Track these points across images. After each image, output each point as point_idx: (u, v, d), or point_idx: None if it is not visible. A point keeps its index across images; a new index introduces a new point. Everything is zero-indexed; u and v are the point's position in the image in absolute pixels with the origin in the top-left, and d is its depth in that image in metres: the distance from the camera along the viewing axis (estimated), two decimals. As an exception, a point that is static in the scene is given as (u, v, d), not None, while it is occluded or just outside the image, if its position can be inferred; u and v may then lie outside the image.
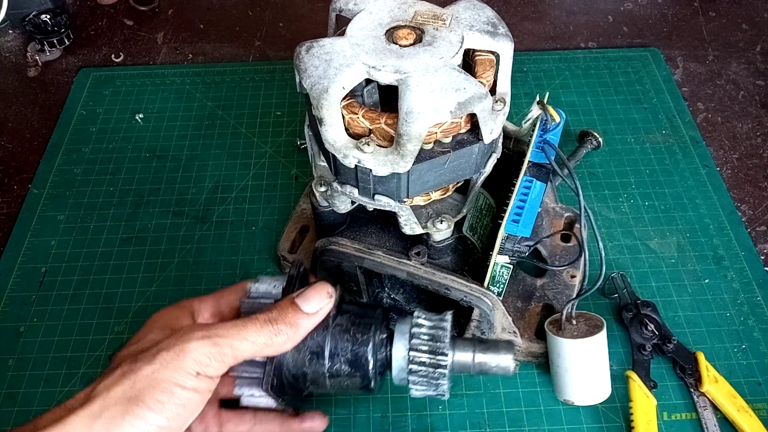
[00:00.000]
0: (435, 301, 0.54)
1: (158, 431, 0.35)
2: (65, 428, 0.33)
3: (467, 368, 0.43)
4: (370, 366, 0.43)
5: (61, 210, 0.68)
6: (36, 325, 0.59)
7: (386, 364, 0.43)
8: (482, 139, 0.44)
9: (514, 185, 0.51)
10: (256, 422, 0.46)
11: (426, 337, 0.42)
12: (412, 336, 0.42)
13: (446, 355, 0.41)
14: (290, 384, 0.44)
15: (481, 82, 0.42)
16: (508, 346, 0.43)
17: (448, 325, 0.42)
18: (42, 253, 0.64)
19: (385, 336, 0.43)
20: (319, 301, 0.41)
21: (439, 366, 0.41)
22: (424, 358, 0.42)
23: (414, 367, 0.42)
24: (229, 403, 0.46)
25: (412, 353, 0.42)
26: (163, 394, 0.35)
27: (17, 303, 0.61)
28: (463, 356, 0.42)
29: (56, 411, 0.35)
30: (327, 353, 0.43)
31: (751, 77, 0.80)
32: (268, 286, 0.45)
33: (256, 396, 0.44)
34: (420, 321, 0.43)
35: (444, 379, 0.42)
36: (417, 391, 0.43)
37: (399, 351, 0.42)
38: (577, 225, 0.60)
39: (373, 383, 0.43)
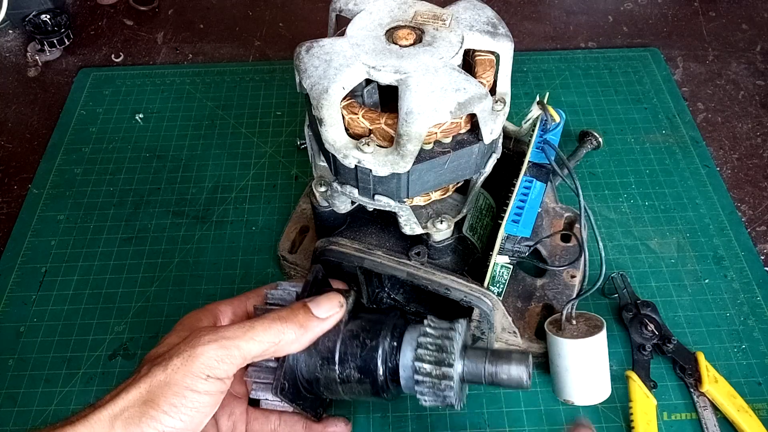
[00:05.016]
0: (435, 302, 0.54)
1: None
2: (90, 425, 0.35)
3: (478, 379, 0.42)
4: (380, 372, 0.42)
5: (61, 210, 0.68)
6: (36, 325, 0.59)
7: (395, 373, 0.43)
8: (482, 140, 0.44)
9: (514, 185, 0.51)
10: (281, 423, 0.47)
11: (432, 348, 0.41)
12: (418, 345, 0.42)
13: (452, 366, 0.41)
14: (305, 389, 0.44)
15: (481, 82, 0.42)
16: (521, 357, 0.42)
17: (456, 334, 0.42)
18: (42, 253, 0.64)
19: (395, 344, 0.43)
20: (330, 308, 0.42)
21: (445, 377, 0.41)
22: (430, 368, 0.41)
23: (419, 377, 0.41)
24: (257, 402, 0.47)
25: (417, 363, 0.41)
26: (175, 397, 0.36)
27: (17, 303, 0.61)
28: (474, 367, 0.42)
29: (87, 409, 0.37)
30: (337, 358, 0.43)
31: (751, 77, 0.80)
32: (283, 292, 0.46)
33: (270, 400, 0.44)
34: (428, 330, 0.42)
35: (450, 390, 0.41)
36: (425, 401, 0.42)
37: (406, 360, 0.42)
38: (577, 225, 0.60)
39: (384, 390, 0.43)
